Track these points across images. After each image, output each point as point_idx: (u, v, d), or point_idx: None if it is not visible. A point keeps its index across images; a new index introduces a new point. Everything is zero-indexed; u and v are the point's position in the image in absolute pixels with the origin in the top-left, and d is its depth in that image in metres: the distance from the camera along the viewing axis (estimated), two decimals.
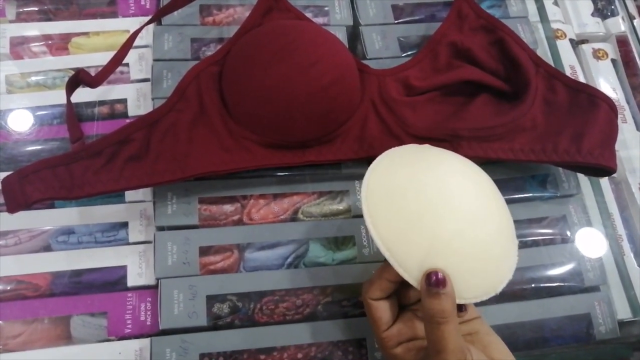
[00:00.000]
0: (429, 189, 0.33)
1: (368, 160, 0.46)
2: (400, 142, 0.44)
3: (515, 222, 0.46)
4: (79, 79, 0.43)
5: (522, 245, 0.46)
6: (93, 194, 0.39)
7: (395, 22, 0.53)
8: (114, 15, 0.52)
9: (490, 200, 0.35)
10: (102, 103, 0.48)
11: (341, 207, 0.46)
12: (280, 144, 0.43)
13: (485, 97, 0.46)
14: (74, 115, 0.44)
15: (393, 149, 0.38)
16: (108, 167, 0.40)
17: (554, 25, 0.58)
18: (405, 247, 0.32)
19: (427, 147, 0.39)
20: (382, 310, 0.34)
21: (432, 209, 0.32)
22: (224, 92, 0.43)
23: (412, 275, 0.31)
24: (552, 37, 0.56)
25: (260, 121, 0.42)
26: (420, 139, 0.44)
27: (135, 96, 0.49)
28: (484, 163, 0.48)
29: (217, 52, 0.45)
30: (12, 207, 0.39)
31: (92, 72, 0.47)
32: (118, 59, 0.45)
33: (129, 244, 0.44)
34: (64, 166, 0.40)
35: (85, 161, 0.40)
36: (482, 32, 0.48)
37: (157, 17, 0.48)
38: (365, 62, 0.49)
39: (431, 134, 0.44)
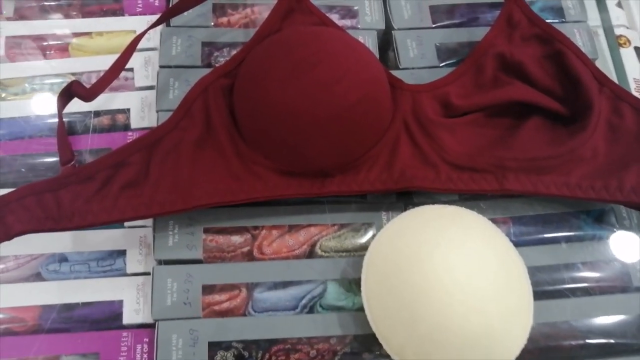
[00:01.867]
0: (424, 276, 0.34)
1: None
2: (437, 171, 0.38)
3: (564, 265, 0.40)
4: (71, 91, 0.38)
5: (572, 293, 0.40)
6: (83, 225, 0.35)
7: (434, 25, 0.47)
8: (119, 13, 0.47)
9: (490, 282, 0.34)
10: (100, 114, 0.43)
11: (364, 242, 0.40)
12: (297, 171, 0.37)
13: (538, 120, 0.39)
14: (64, 132, 0.39)
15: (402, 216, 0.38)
16: (101, 195, 0.35)
17: (617, 31, 0.51)
18: (392, 330, 0.34)
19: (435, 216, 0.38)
20: None
21: (424, 297, 0.33)
22: (235, 109, 0.38)
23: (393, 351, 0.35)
24: (615, 44, 0.49)
25: (274, 144, 0.37)
26: (460, 168, 0.38)
27: (140, 106, 0.44)
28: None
29: (228, 61, 0.40)
30: None
31: (94, 77, 0.42)
32: (117, 68, 0.40)
33: (126, 274, 0.40)
34: (51, 192, 0.35)
35: (76, 187, 0.35)
36: (536, 42, 0.42)
37: (165, 18, 0.43)
38: (398, 72, 0.43)
39: (472, 162, 0.38)
